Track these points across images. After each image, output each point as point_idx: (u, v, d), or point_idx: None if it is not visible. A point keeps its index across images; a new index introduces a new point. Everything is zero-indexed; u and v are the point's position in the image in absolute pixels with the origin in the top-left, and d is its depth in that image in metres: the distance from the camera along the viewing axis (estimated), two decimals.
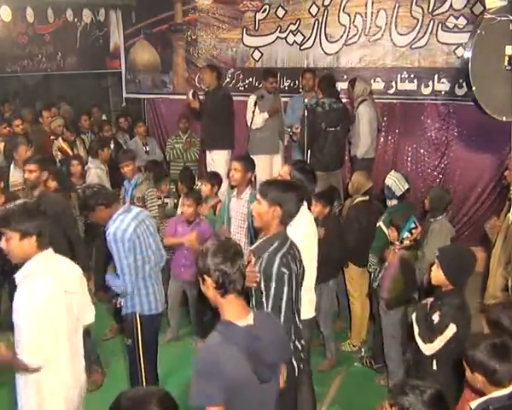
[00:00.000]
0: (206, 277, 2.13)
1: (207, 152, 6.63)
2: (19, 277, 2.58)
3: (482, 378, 2.28)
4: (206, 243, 2.23)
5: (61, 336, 2.63)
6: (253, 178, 6.48)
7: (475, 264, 3.17)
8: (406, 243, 4.03)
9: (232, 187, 4.57)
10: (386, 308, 4.07)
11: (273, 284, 2.66)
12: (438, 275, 3.10)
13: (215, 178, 5.26)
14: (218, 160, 6.44)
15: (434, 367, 3.03)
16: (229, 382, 2.00)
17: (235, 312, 2.12)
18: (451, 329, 2.95)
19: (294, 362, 2.85)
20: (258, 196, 2.86)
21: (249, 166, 4.39)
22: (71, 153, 6.43)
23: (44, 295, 2.53)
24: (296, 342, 2.90)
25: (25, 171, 4.25)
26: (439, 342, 2.98)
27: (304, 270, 2.94)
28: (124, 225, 3.35)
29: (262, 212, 2.79)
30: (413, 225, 3.99)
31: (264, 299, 2.70)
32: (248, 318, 2.14)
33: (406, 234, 3.99)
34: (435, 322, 3.03)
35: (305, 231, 3.22)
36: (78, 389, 2.79)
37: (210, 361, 2.03)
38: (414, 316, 3.21)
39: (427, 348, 3.04)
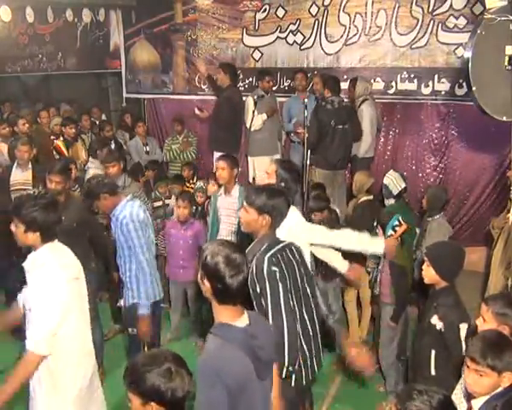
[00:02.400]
0: (205, 281, 2.09)
1: (214, 152, 6.49)
2: (28, 264, 2.70)
3: (510, 375, 2.26)
4: (217, 244, 2.15)
5: (73, 320, 2.74)
6: (250, 179, 6.51)
7: (464, 257, 3.17)
8: None
9: (219, 186, 4.65)
10: (394, 322, 4.02)
11: (267, 285, 2.64)
12: (429, 273, 3.09)
13: None
14: None
15: (433, 373, 3.01)
16: (234, 382, 1.99)
17: (230, 315, 2.10)
18: (463, 329, 2.91)
19: (303, 368, 2.82)
20: (244, 204, 2.82)
21: (234, 163, 4.47)
22: (66, 153, 6.41)
23: (61, 284, 2.64)
24: (304, 346, 2.84)
25: (50, 181, 4.17)
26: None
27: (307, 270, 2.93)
28: (135, 209, 3.57)
29: (250, 220, 2.77)
30: (396, 223, 3.93)
31: (263, 302, 2.67)
32: (244, 318, 2.13)
33: (390, 232, 3.94)
34: (438, 328, 2.98)
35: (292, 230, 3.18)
36: (87, 371, 2.91)
37: (215, 366, 1.99)
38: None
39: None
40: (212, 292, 2.08)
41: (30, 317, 2.68)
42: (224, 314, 2.10)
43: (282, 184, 3.34)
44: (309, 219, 4.47)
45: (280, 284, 2.66)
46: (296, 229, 3.19)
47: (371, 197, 4.81)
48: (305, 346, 2.85)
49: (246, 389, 2.04)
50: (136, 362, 1.91)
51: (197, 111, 6.44)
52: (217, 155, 6.47)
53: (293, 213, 3.27)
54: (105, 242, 4.61)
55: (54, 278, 2.64)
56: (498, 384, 2.28)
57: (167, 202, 5.61)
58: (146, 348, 3.66)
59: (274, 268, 2.66)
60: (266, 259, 2.66)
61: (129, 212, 3.54)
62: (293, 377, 2.76)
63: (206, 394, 1.98)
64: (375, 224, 4.42)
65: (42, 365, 2.69)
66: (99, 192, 3.57)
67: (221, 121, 6.19)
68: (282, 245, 2.79)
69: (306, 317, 2.88)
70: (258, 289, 2.66)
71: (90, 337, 2.97)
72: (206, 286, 2.10)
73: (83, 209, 4.45)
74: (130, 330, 3.73)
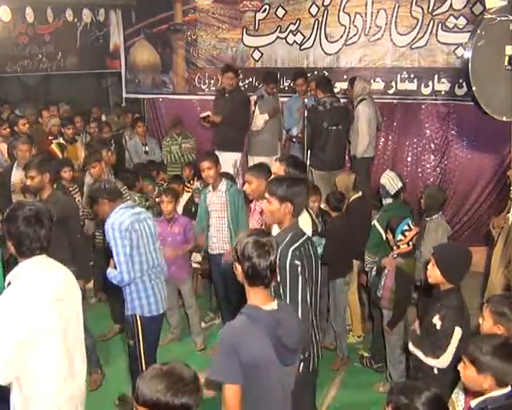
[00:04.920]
0: (237, 264, 2.25)
1: (217, 152, 6.47)
2: (9, 278, 2.50)
3: (492, 380, 2.24)
4: (247, 232, 2.33)
5: (51, 346, 2.42)
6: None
7: (471, 260, 3.15)
8: (403, 247, 3.96)
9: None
10: (389, 329, 4.03)
11: (288, 277, 2.75)
12: (435, 273, 3.08)
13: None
14: (228, 161, 6.25)
15: (435, 371, 3.01)
16: (250, 360, 2.11)
17: (260, 299, 2.23)
18: (458, 333, 2.91)
19: (314, 356, 2.93)
20: (266, 195, 2.91)
21: (217, 159, 4.60)
22: (60, 155, 6.39)
23: (34, 305, 2.36)
24: (313, 337, 2.96)
25: (26, 177, 4.19)
26: (450, 351, 2.92)
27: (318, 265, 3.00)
28: (122, 218, 3.47)
29: (274, 210, 2.87)
30: (406, 227, 3.92)
31: (282, 292, 2.77)
32: (273, 304, 2.25)
33: (400, 236, 3.94)
34: (438, 327, 2.99)
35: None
36: (73, 400, 2.60)
37: (232, 339, 2.14)
38: (410, 345, 3.16)
39: (441, 362, 2.96)
40: (243, 274, 2.23)
41: None
42: (254, 297, 2.24)
43: None
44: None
45: (300, 278, 2.77)
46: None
47: (360, 194, 4.86)
48: (317, 337, 2.99)
49: (261, 369, 2.16)
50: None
51: (207, 114, 6.21)
52: (220, 155, 6.41)
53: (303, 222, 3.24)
54: (80, 239, 4.44)
55: (25, 298, 2.35)
56: (481, 383, 2.26)
57: (158, 200, 5.60)
58: (144, 359, 3.61)
59: (296, 262, 2.76)
60: (290, 252, 2.77)
61: (112, 220, 3.44)
62: (302, 365, 2.82)
63: (223, 361, 2.15)
64: (373, 223, 4.43)
65: (16, 393, 2.44)
66: (98, 197, 3.57)
67: (237, 122, 6.14)
68: (304, 239, 2.89)
69: (318, 310, 3.02)
70: (279, 279, 2.75)
71: (80, 360, 2.65)
72: (238, 270, 2.26)
73: (67, 204, 4.41)
74: (127, 340, 3.70)
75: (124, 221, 3.44)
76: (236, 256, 2.25)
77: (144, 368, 3.59)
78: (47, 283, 2.46)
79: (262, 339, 2.15)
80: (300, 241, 2.85)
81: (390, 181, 4.51)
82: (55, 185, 4.65)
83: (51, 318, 2.42)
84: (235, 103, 6.17)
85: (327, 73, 6.60)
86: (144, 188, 5.70)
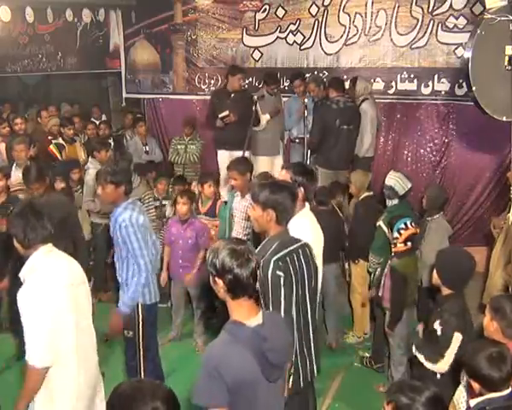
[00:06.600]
0: (217, 278, 2.10)
1: (227, 152, 6.34)
2: (22, 274, 2.65)
3: (479, 386, 2.30)
4: (219, 242, 2.17)
5: (69, 329, 2.65)
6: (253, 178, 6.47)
7: (474, 268, 3.12)
8: (399, 245, 3.89)
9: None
10: (389, 329, 4.00)
11: (270, 289, 2.63)
12: (435, 278, 3.11)
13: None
14: None
15: (438, 377, 3.01)
16: (236, 381, 1.99)
17: (244, 313, 2.10)
18: (457, 339, 2.91)
19: (301, 371, 2.80)
20: (251, 201, 2.82)
21: (244, 168, 4.40)
22: (59, 156, 6.39)
23: (54, 289, 2.56)
24: (304, 351, 2.83)
25: (33, 189, 4.34)
26: (449, 356, 2.92)
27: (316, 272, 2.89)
28: (136, 214, 3.49)
29: (257, 217, 2.77)
30: (402, 226, 3.85)
31: (263, 303, 2.64)
32: (257, 317, 2.12)
33: (395, 234, 3.89)
34: (438, 333, 2.99)
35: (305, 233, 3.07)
36: (89, 384, 2.82)
37: (216, 360, 2.01)
38: (414, 347, 3.17)
39: (440, 367, 2.97)
40: (225, 288, 2.08)
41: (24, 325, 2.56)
42: (238, 312, 2.10)
43: (301, 189, 3.23)
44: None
45: (282, 291, 2.63)
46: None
47: (371, 193, 4.86)
48: (305, 350, 2.85)
49: (246, 388, 2.03)
50: (120, 393, 1.73)
51: (226, 114, 6.13)
52: (231, 154, 6.26)
53: (304, 224, 3.15)
54: (82, 238, 4.70)
55: (45, 283, 2.56)
56: (486, 392, 2.30)
57: (164, 202, 5.61)
58: (142, 352, 3.63)
59: (279, 273, 2.62)
60: (272, 262, 2.63)
61: (128, 215, 3.45)
62: (291, 379, 2.74)
63: (206, 384, 2.01)
64: (378, 224, 4.43)
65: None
66: (121, 181, 3.45)
67: (248, 121, 6.11)
68: (293, 247, 2.74)
69: (309, 321, 2.87)
70: (261, 291, 2.59)
71: (92, 347, 2.89)
72: (218, 285, 2.10)
73: (64, 204, 4.51)
74: (125, 332, 3.70)
75: (139, 217, 3.49)
76: (215, 271, 2.09)
77: (142, 361, 3.66)
78: (60, 269, 2.66)
79: (246, 358, 2.02)
80: (288, 249, 2.70)
81: (399, 182, 4.46)
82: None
83: (68, 301, 2.63)
84: (246, 103, 6.13)
85: (327, 73, 6.61)
86: (158, 186, 5.70)
